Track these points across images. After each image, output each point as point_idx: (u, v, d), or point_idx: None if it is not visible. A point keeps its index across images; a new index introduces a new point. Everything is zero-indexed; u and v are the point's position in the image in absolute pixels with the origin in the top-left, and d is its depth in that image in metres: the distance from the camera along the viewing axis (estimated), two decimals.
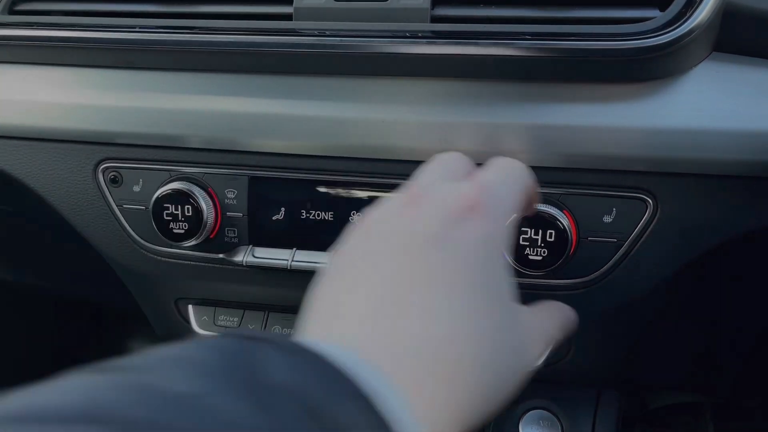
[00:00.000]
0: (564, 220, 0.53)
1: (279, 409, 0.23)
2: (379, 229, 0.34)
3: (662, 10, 0.50)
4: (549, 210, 0.53)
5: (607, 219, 0.54)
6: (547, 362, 0.67)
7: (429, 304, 0.30)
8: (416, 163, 0.56)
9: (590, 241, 0.55)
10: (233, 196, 0.60)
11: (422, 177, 0.39)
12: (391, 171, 0.57)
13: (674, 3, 0.50)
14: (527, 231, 0.54)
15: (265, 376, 0.24)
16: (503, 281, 0.34)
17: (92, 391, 0.23)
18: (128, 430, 0.21)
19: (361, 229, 0.35)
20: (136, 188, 0.62)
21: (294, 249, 0.60)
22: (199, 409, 0.23)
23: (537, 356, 0.36)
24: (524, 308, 0.36)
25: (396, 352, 0.28)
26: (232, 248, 0.61)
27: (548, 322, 0.39)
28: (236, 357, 0.25)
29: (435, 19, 0.53)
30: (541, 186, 0.55)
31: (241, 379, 0.24)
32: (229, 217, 0.61)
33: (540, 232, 0.53)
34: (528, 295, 0.59)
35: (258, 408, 0.23)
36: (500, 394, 0.32)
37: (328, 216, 0.59)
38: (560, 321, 0.41)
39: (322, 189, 0.59)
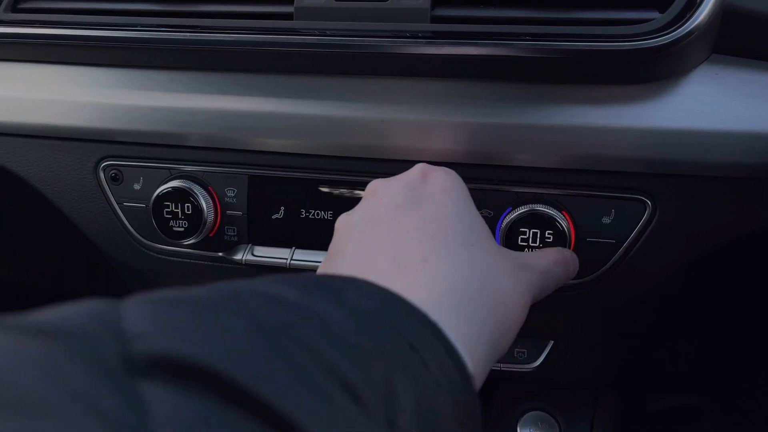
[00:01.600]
0: (563, 221, 0.53)
1: (368, 321, 0.27)
2: (362, 216, 0.41)
3: (662, 11, 0.50)
4: (548, 211, 0.53)
5: (606, 220, 0.54)
6: (546, 363, 0.68)
7: (430, 254, 0.36)
8: (415, 163, 0.56)
9: (589, 242, 0.55)
10: (233, 195, 0.60)
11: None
12: (390, 171, 0.57)
13: (674, 5, 0.50)
14: (526, 231, 0.54)
15: (352, 299, 0.28)
16: (478, 219, 0.41)
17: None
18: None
19: (346, 221, 0.43)
20: (137, 186, 0.62)
21: (293, 248, 0.60)
22: (298, 307, 0.26)
23: (538, 274, 0.42)
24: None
25: (429, 297, 0.33)
26: (231, 247, 0.62)
27: (541, 253, 0.46)
28: (324, 284, 0.29)
29: (435, 20, 0.53)
30: (540, 186, 0.55)
31: (332, 295, 0.28)
32: (228, 215, 0.61)
33: (538, 232, 0.54)
34: None
35: (351, 316, 0.26)
36: (515, 316, 0.38)
37: (327, 215, 0.59)
38: (556, 254, 0.47)
39: (321, 188, 0.59)
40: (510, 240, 0.54)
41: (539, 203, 0.54)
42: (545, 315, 0.64)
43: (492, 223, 0.56)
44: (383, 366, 0.25)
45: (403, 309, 0.29)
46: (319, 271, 0.43)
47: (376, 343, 0.26)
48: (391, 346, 0.27)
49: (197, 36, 0.56)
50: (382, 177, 0.57)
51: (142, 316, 0.23)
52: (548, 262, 0.46)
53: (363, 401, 0.24)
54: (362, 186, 0.58)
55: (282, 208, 0.60)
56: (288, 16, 0.55)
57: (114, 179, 0.62)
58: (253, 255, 0.61)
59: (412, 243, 0.37)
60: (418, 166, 0.45)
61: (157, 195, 0.60)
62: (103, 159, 0.62)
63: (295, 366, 0.23)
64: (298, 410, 0.21)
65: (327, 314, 0.26)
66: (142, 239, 0.64)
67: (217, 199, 0.60)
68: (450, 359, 0.29)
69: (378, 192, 0.44)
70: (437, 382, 0.27)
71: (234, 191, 0.60)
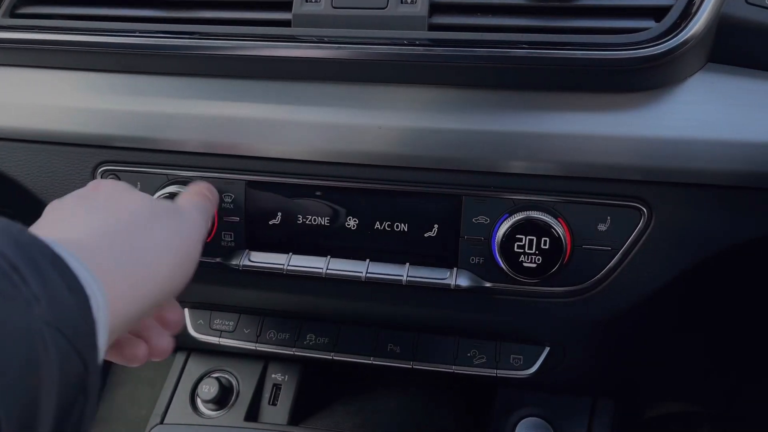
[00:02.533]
0: (558, 228, 0.54)
1: None
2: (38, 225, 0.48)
3: (658, 20, 0.51)
4: (544, 217, 0.54)
5: (602, 227, 0.55)
6: (542, 370, 0.68)
7: (85, 219, 0.45)
8: (413, 170, 0.56)
9: (585, 249, 0.55)
10: (230, 201, 0.60)
11: None
12: (387, 177, 0.57)
13: (669, 14, 0.50)
14: (522, 238, 0.54)
15: None
16: (132, 199, 0.49)
17: None
18: None
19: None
20: None
21: (290, 253, 0.60)
22: None
23: (189, 215, 0.49)
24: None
25: (78, 240, 0.41)
26: (228, 252, 0.62)
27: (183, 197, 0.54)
28: None
29: (432, 27, 0.53)
30: (536, 194, 0.55)
31: None
32: (226, 221, 0.61)
33: (534, 239, 0.54)
34: (523, 302, 0.59)
35: None
36: (165, 255, 0.44)
37: (324, 221, 0.59)
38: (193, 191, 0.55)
39: (318, 194, 0.59)
40: (506, 246, 0.54)
41: (535, 210, 0.54)
42: (541, 321, 0.64)
43: (488, 229, 0.56)
44: None
45: (23, 241, 0.35)
46: None
47: None
48: None
49: (196, 42, 0.56)
50: (379, 183, 0.57)
51: None
52: (191, 202, 0.53)
53: None
54: (359, 192, 0.59)
55: (279, 213, 0.60)
56: (286, 23, 0.56)
57: None
58: (249, 260, 0.61)
59: (79, 217, 0.46)
60: (92, 182, 0.53)
61: None
62: (100, 164, 0.62)
63: None
64: None
65: None
66: None
67: None
68: (62, 279, 0.34)
69: (54, 207, 0.49)
70: (35, 296, 0.32)
71: (231, 197, 0.60)
